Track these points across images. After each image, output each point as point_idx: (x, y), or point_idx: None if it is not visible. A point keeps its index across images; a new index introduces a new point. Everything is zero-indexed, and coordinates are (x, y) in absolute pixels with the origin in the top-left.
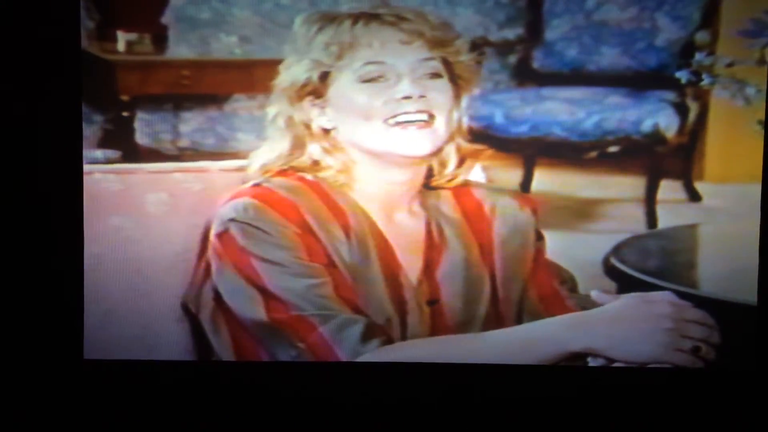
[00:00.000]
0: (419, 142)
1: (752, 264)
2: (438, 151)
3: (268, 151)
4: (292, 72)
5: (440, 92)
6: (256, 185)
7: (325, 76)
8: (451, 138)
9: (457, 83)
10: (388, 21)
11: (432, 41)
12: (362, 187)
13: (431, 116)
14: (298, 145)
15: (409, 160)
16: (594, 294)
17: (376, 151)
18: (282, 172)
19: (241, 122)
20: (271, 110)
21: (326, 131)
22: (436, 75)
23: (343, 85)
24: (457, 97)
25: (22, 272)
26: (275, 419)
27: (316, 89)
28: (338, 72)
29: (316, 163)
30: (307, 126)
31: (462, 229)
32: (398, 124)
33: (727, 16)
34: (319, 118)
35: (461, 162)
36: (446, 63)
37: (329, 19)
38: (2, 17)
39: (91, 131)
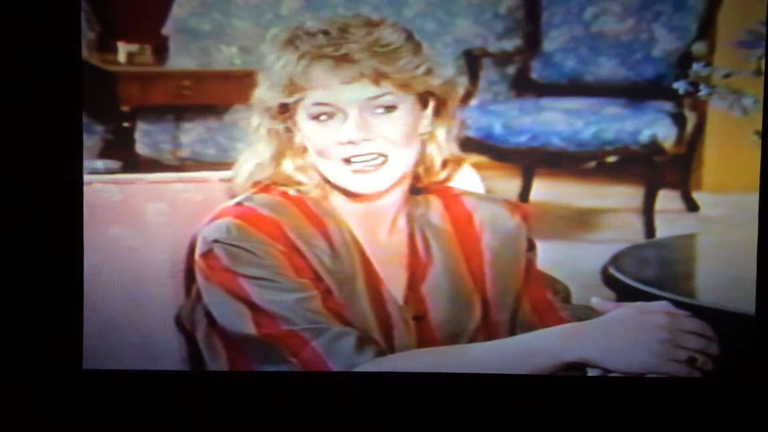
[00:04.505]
0: (372, 182)
1: (750, 273)
2: (395, 183)
3: (252, 159)
4: (261, 92)
5: (393, 127)
6: (238, 204)
7: (284, 107)
8: (433, 144)
9: (431, 102)
10: (330, 63)
11: (375, 77)
12: (341, 204)
13: (383, 156)
14: (280, 156)
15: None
16: (594, 301)
17: (333, 183)
18: (264, 188)
19: (242, 133)
20: (254, 120)
21: (304, 147)
22: (390, 108)
23: (301, 119)
24: (438, 113)
25: (21, 282)
26: (273, 429)
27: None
28: (294, 105)
29: (288, 178)
30: (289, 139)
31: (449, 240)
32: (351, 163)
33: (724, 27)
34: (296, 133)
35: (444, 165)
36: (407, 87)
37: (286, 48)
38: (3, 27)
39: (91, 141)
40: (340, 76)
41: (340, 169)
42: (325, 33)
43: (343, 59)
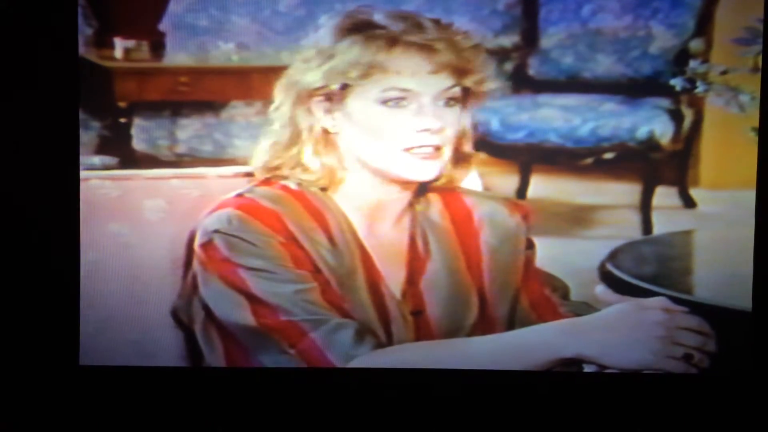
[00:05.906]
0: (427, 170)
1: (747, 270)
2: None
3: (269, 139)
4: (310, 74)
5: (453, 120)
6: (239, 195)
7: (344, 87)
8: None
9: (467, 103)
10: (421, 51)
11: (459, 71)
12: (347, 195)
13: (440, 147)
14: (294, 139)
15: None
16: (599, 289)
17: (380, 170)
18: (265, 181)
19: (239, 129)
20: (278, 99)
21: (326, 132)
22: (453, 100)
23: (363, 102)
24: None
25: (18, 278)
26: (271, 425)
27: (330, 93)
28: (360, 88)
29: (299, 164)
30: (309, 126)
31: (449, 237)
32: (409, 150)
33: (721, 24)
34: (324, 119)
35: (455, 163)
36: (465, 88)
37: (363, 33)
38: (0, 24)
39: (88, 138)
40: (428, 66)
41: (396, 154)
42: (406, 20)
43: (432, 50)
